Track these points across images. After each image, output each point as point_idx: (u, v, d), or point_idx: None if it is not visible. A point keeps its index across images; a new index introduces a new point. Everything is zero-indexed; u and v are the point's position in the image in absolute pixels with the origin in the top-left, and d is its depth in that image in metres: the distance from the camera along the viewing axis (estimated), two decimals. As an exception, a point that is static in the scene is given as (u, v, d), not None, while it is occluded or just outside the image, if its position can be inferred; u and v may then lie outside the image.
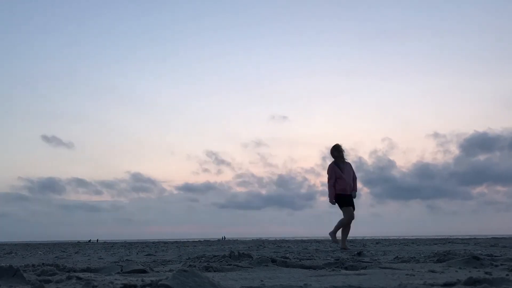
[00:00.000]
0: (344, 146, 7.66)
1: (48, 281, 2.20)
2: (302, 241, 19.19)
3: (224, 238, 50.87)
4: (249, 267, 3.14)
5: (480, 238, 17.36)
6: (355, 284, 2.08)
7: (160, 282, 1.72)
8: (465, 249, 5.90)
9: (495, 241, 11.27)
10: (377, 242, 13.52)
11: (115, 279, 2.23)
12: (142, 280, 1.98)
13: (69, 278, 2.26)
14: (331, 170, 7.48)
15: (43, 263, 3.40)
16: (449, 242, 10.73)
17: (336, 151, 7.55)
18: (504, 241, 11.77)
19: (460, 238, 18.03)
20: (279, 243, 14.17)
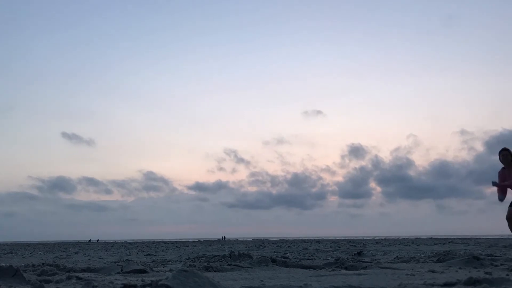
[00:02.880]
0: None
1: (48, 281, 2.20)
2: (302, 241, 19.18)
3: (224, 238, 50.82)
4: (249, 267, 3.14)
5: (480, 238, 17.34)
6: (355, 284, 2.08)
7: (160, 282, 1.72)
8: (465, 249, 5.90)
9: (495, 241, 11.27)
10: (377, 242, 13.51)
11: (115, 279, 2.23)
12: (142, 280, 1.98)
13: (69, 278, 2.26)
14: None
15: (43, 263, 3.40)
16: (449, 242, 10.72)
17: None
18: (504, 241, 11.77)
19: (460, 238, 18.01)
20: (279, 243, 14.16)
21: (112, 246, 16.16)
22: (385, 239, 19.43)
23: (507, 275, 2.26)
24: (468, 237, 21.64)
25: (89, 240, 49.29)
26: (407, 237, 29.97)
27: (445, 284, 1.97)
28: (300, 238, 39.35)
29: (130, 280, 2.13)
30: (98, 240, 52.80)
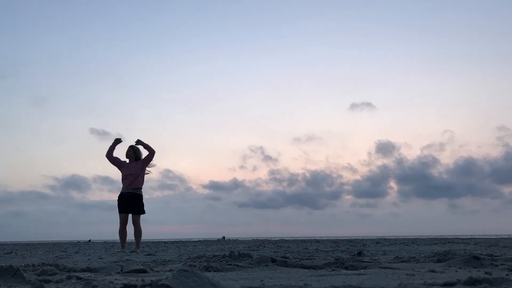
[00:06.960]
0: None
1: (48, 281, 2.20)
2: (302, 241, 19.18)
3: (224, 238, 50.77)
4: (249, 267, 3.14)
5: (480, 238, 17.35)
6: (355, 284, 2.08)
7: (160, 282, 1.73)
8: (465, 249, 5.90)
9: (495, 241, 11.28)
10: (377, 242, 13.52)
11: (115, 279, 2.23)
12: (142, 280, 1.98)
13: (69, 278, 2.26)
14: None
15: (43, 263, 3.39)
16: (449, 242, 10.73)
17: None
18: (504, 241, 11.78)
19: (460, 238, 18.02)
20: (279, 243, 14.16)
21: (112, 246, 16.17)
22: (385, 239, 19.44)
23: (507, 275, 2.26)
24: (468, 237, 21.65)
25: (89, 240, 49.25)
26: (407, 237, 29.99)
27: (445, 284, 1.97)
28: (301, 238, 39.28)
29: (130, 280, 2.14)
30: (90, 240, 52.66)
